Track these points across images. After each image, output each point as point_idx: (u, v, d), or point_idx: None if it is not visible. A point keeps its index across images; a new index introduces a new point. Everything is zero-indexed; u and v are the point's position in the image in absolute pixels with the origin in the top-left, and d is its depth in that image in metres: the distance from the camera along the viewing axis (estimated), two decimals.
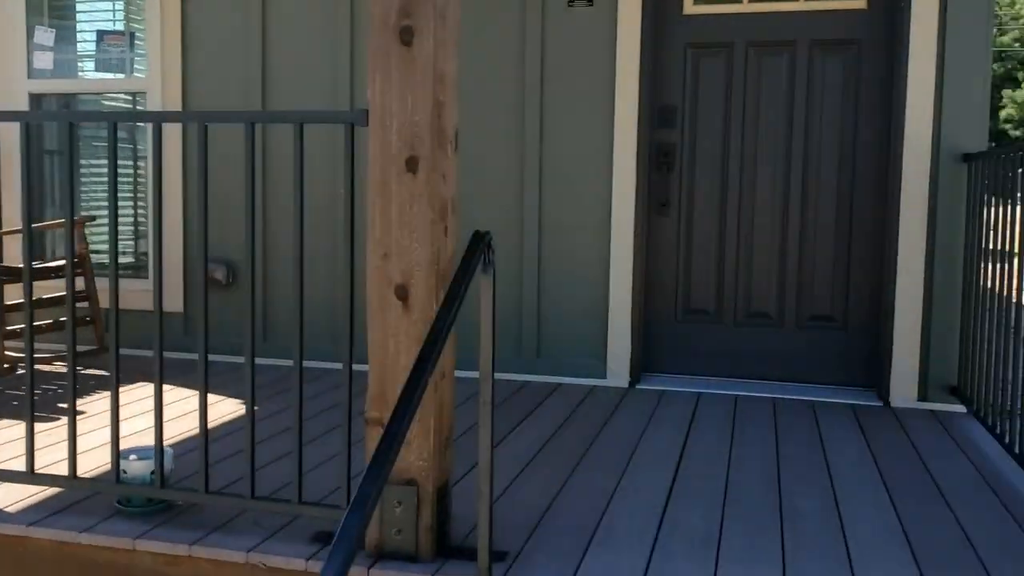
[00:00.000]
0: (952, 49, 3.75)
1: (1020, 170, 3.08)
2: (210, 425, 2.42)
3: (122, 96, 5.04)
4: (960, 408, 3.77)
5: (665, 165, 4.24)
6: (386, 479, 1.53)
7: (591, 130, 4.21)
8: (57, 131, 5.01)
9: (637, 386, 4.20)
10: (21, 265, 2.77)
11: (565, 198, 4.27)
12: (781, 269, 4.17)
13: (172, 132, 4.60)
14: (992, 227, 3.42)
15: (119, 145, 3.11)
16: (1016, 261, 3.06)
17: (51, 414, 3.50)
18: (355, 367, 2.30)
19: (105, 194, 5.03)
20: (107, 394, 2.62)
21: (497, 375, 4.49)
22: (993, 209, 3.42)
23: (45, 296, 3.82)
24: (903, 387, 3.88)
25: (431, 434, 2.27)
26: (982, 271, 3.52)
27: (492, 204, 4.36)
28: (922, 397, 3.87)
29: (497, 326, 2.29)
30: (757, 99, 4.14)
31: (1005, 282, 3.17)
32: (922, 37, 3.77)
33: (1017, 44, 28.84)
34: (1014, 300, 3.09)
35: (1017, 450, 2.98)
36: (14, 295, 4.04)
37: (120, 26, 5.05)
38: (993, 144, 3.54)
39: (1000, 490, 2.82)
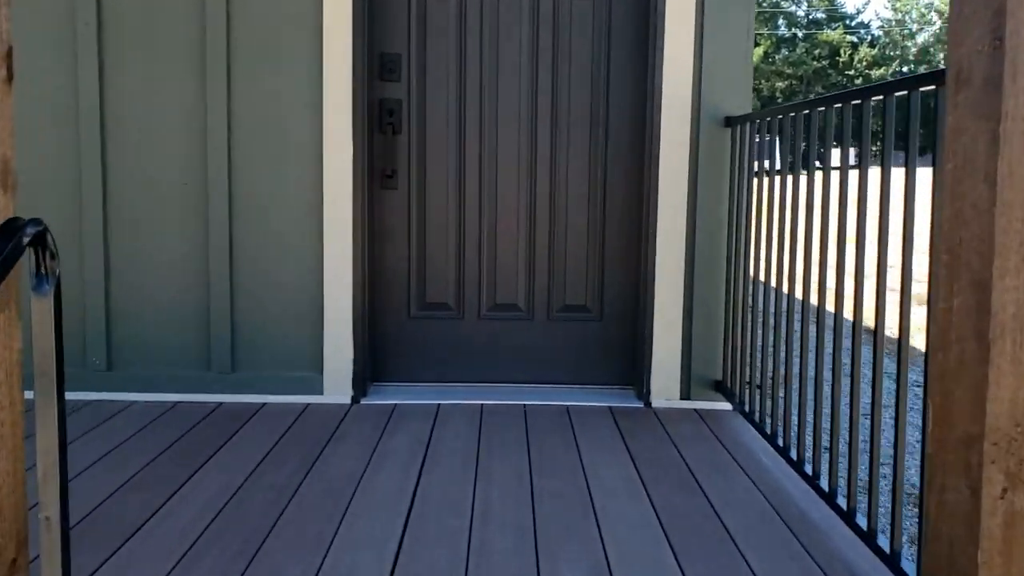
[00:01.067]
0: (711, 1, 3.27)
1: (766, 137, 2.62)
2: None
3: None
4: (726, 405, 3.35)
5: (390, 126, 3.45)
6: None
7: (292, 83, 3.32)
8: None
9: (363, 401, 3.40)
10: None
11: (262, 169, 3.35)
12: (529, 252, 3.54)
13: None
14: (753, 201, 2.99)
15: None
16: (763, 239, 2.62)
17: None
18: None
19: None
20: None
21: (182, 397, 3.53)
22: (756, 180, 2.99)
23: None
24: (664, 384, 3.39)
25: None
26: (742, 251, 3.09)
27: (162, 179, 3.35)
28: (685, 395, 3.40)
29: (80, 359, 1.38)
30: (496, 46, 3.45)
31: (757, 262, 2.73)
32: None
33: None
34: (761, 279, 2.66)
35: (796, 458, 2.54)
36: None
37: None
38: None
39: (788, 516, 2.34)
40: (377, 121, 3.46)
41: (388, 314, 3.56)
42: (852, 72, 62.19)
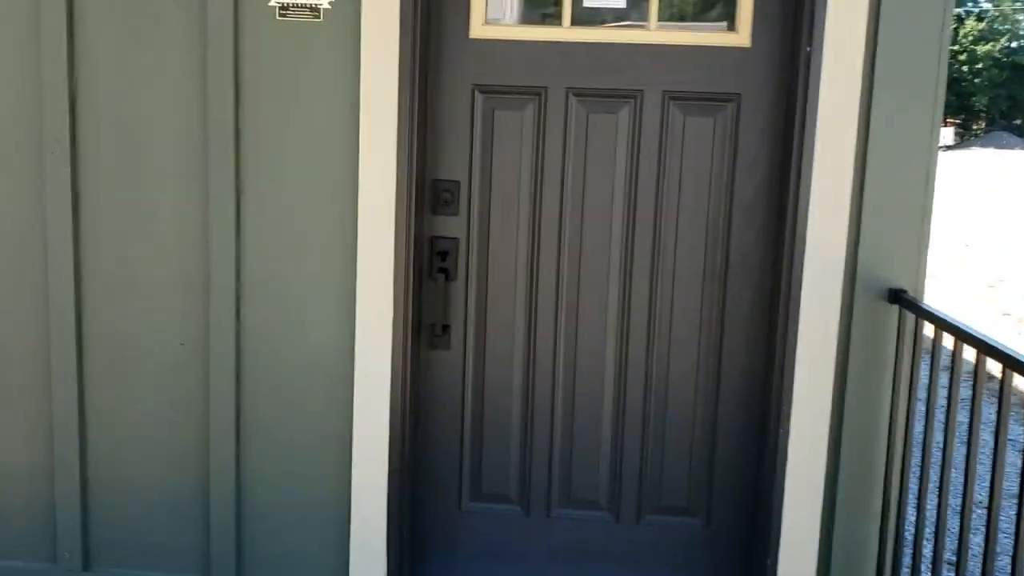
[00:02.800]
0: (880, 123, 2.48)
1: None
2: None
3: None
4: None
5: (443, 272, 2.76)
6: None
7: (318, 215, 2.66)
8: None
9: None
10: None
11: (278, 324, 2.71)
12: (616, 435, 2.84)
13: None
14: (935, 402, 2.25)
15: None
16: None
17: None
18: None
19: None
20: None
21: None
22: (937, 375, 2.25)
23: None
24: None
25: None
26: (910, 466, 2.37)
27: (151, 338, 2.73)
28: None
29: None
30: (583, 177, 2.73)
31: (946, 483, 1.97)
32: (834, 100, 2.48)
33: None
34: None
35: None
36: None
37: None
38: None
39: None
40: (427, 264, 2.78)
41: (433, 505, 2.90)
42: (956, 47, 59.34)
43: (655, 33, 2.61)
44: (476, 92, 2.70)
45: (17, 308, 2.74)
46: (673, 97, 2.65)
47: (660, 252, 2.73)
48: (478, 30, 2.65)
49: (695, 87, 2.64)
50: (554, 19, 2.66)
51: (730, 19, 2.63)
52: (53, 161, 2.65)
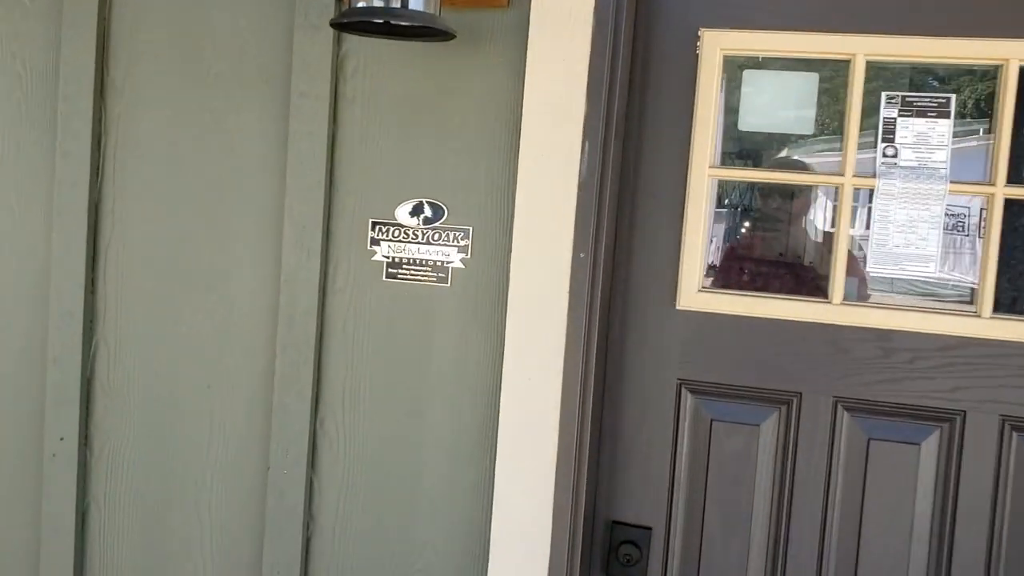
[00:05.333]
0: None
1: None
2: None
3: None
4: None
5: None
6: None
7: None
8: None
9: None
10: None
11: None
12: None
13: None
14: None
15: None
16: None
17: None
18: None
19: None
20: None
21: None
22: None
23: None
24: None
25: None
26: None
27: None
28: None
29: None
30: (856, 534, 1.76)
31: None
32: None
33: None
34: None
35: None
36: None
37: None
38: None
39: None
40: None
41: None
42: None
43: (989, 323, 1.64)
44: (683, 391, 1.79)
45: None
46: (1017, 426, 1.66)
47: None
48: (690, 298, 1.76)
49: None
50: (816, 292, 1.75)
51: None
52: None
